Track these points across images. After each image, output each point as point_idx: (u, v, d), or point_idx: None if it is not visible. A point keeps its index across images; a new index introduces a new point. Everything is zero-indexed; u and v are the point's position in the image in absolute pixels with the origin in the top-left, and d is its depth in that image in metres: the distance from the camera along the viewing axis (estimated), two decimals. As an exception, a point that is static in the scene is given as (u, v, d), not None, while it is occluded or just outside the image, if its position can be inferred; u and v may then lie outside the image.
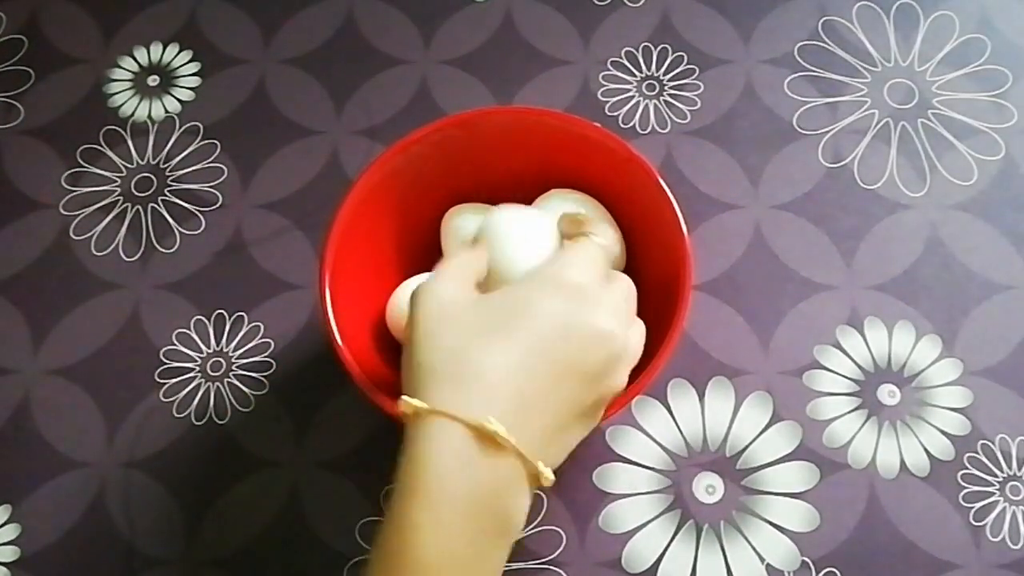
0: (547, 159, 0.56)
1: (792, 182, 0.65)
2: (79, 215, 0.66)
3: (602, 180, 0.56)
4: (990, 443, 0.56)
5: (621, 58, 0.70)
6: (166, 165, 0.68)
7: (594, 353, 0.39)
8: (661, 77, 0.69)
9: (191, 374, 0.60)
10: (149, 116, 0.70)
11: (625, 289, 0.44)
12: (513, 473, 0.36)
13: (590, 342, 0.39)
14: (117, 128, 0.69)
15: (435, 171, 0.55)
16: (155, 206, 0.66)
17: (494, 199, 0.56)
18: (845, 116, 0.67)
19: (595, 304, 0.40)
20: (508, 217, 0.49)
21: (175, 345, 0.61)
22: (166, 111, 0.70)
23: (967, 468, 0.56)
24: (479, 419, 0.36)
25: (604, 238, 0.46)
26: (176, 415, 0.59)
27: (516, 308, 0.39)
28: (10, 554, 0.55)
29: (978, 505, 0.55)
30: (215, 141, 0.68)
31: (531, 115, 0.56)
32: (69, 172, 0.68)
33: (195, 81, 0.71)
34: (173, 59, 0.72)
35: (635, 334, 0.44)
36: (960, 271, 0.61)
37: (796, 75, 0.69)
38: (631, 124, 0.67)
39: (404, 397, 0.37)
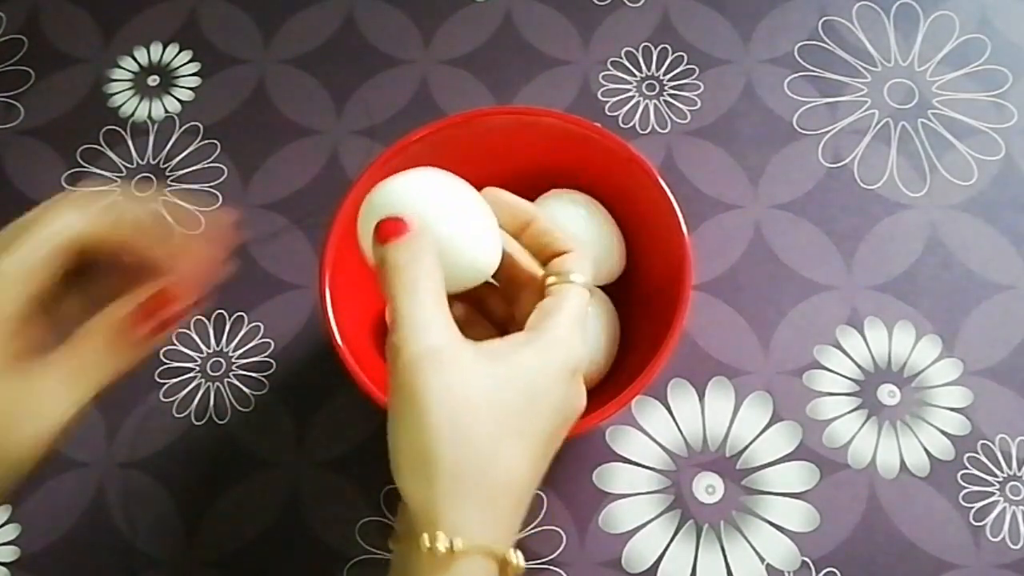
0: (547, 159, 0.56)
1: (792, 182, 0.65)
2: (79, 215, 0.66)
3: (602, 180, 0.56)
4: (990, 443, 0.56)
5: (621, 58, 0.70)
6: (166, 165, 0.68)
7: (570, 426, 0.38)
8: (661, 77, 0.69)
9: (191, 374, 0.60)
10: (149, 116, 0.70)
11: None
12: None
13: (573, 421, 0.38)
14: (117, 128, 0.69)
15: (435, 171, 0.55)
16: (155, 206, 0.66)
17: (494, 199, 0.56)
18: (845, 116, 0.67)
19: (580, 379, 0.38)
20: (403, 186, 0.37)
21: (175, 345, 0.61)
22: (166, 111, 0.70)
23: (967, 468, 0.56)
24: (507, 552, 0.34)
25: (585, 275, 0.39)
26: (176, 415, 0.59)
27: (530, 395, 0.35)
28: (10, 554, 0.55)
29: (978, 505, 0.55)
30: (215, 141, 0.68)
31: (531, 115, 0.56)
32: (69, 172, 0.68)
33: (195, 81, 0.71)
34: (173, 59, 0.72)
35: None
36: (960, 271, 0.61)
37: (796, 75, 0.69)
38: (631, 124, 0.67)
39: (441, 533, 0.32)
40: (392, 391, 0.35)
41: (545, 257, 0.40)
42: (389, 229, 0.36)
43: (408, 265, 0.35)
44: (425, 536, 0.33)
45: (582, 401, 0.38)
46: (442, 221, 0.36)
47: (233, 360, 0.60)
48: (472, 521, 0.33)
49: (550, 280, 0.39)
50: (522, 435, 0.35)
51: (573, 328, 0.37)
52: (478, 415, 0.33)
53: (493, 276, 0.40)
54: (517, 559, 0.34)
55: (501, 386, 0.34)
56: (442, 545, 0.32)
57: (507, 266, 0.41)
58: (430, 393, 0.33)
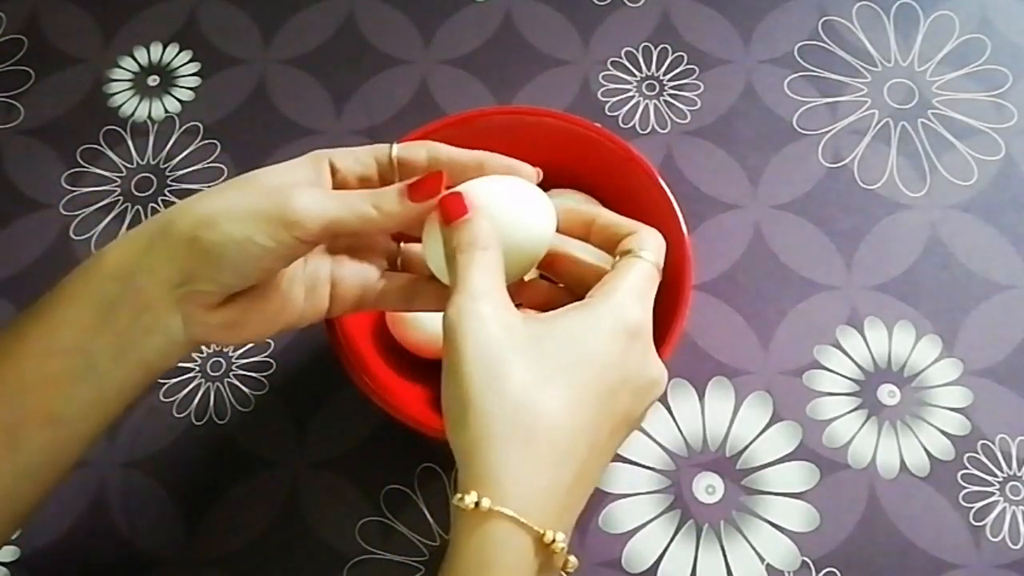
0: (547, 159, 0.56)
1: (792, 182, 0.65)
2: (79, 215, 0.66)
3: (602, 180, 0.56)
4: (990, 443, 0.56)
5: (621, 58, 0.70)
6: (166, 165, 0.68)
7: (644, 402, 0.37)
8: (661, 77, 0.69)
9: (191, 374, 0.60)
10: (149, 116, 0.70)
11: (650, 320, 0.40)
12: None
13: (644, 393, 0.37)
14: (117, 128, 0.69)
15: (435, 171, 0.55)
16: (155, 206, 0.66)
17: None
18: (845, 116, 0.67)
19: (647, 347, 0.37)
20: (489, 187, 0.40)
21: (175, 345, 0.61)
22: (166, 111, 0.70)
23: (967, 468, 0.55)
24: (544, 531, 0.33)
25: (652, 252, 0.39)
26: (176, 415, 0.59)
27: (578, 351, 0.35)
28: (10, 554, 0.55)
29: (978, 505, 0.55)
30: (215, 141, 0.68)
31: (531, 115, 0.56)
32: (69, 172, 0.68)
33: (195, 81, 0.71)
34: (173, 59, 0.72)
35: None
36: (960, 271, 0.61)
37: (796, 75, 0.69)
38: (631, 124, 0.67)
39: (473, 492, 0.32)
40: (443, 350, 0.36)
41: (615, 246, 0.41)
42: (450, 204, 0.37)
43: (471, 244, 0.37)
44: (458, 493, 0.33)
45: (652, 369, 0.37)
46: (495, 200, 0.39)
47: (233, 360, 0.60)
48: (506, 466, 0.32)
49: (615, 260, 0.39)
50: (565, 386, 0.34)
51: (629, 294, 0.37)
52: (514, 362, 0.34)
53: (559, 279, 0.42)
54: (559, 543, 0.33)
55: (542, 338, 0.35)
56: (470, 500, 0.32)
57: (570, 266, 0.42)
58: (468, 344, 0.34)
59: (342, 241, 0.41)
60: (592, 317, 0.36)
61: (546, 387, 0.34)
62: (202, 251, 0.35)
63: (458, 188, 0.38)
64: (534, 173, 0.41)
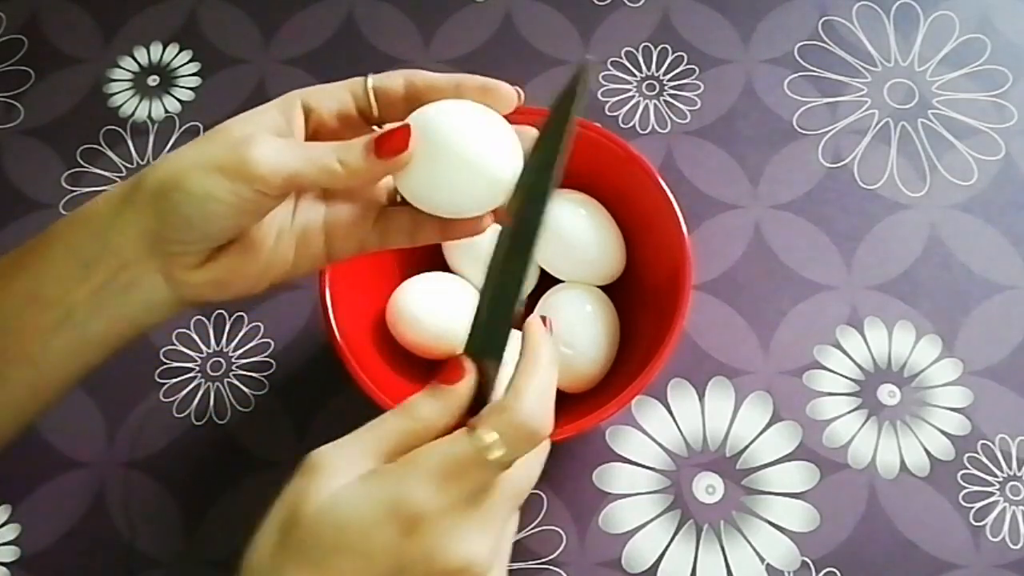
0: (547, 159, 0.56)
1: (792, 182, 0.65)
2: (79, 215, 0.66)
3: (602, 180, 0.56)
4: (990, 443, 0.56)
5: (621, 58, 0.70)
6: (166, 165, 0.68)
7: None
8: (661, 77, 0.69)
9: (191, 374, 0.60)
10: (149, 116, 0.70)
11: (507, 493, 0.33)
12: None
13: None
14: (117, 128, 0.69)
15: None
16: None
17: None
18: (845, 116, 0.67)
19: (442, 534, 0.31)
20: (445, 118, 0.37)
21: (175, 345, 0.61)
22: (166, 111, 0.70)
23: (967, 468, 0.56)
24: None
25: (499, 436, 0.31)
26: (176, 415, 0.59)
27: (337, 537, 0.31)
28: (10, 554, 0.55)
29: (978, 505, 0.55)
30: (215, 141, 0.68)
31: (531, 115, 0.56)
32: (69, 172, 0.68)
33: (195, 81, 0.71)
34: (173, 59, 0.72)
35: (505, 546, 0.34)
36: (960, 271, 0.61)
37: (796, 75, 0.69)
38: (631, 124, 0.67)
39: None
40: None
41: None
42: (390, 139, 0.36)
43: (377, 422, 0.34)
44: None
45: (450, 558, 0.31)
46: (451, 134, 0.36)
47: (233, 360, 0.60)
48: None
49: (470, 422, 0.32)
50: (316, 570, 0.31)
51: (423, 476, 0.31)
52: (276, 537, 0.32)
53: None
54: None
55: (319, 517, 0.31)
56: None
57: None
58: (281, 497, 0.33)
59: (314, 190, 0.39)
60: (369, 497, 0.31)
61: (294, 570, 0.31)
62: (166, 210, 0.34)
63: (413, 116, 0.36)
64: (513, 94, 0.39)
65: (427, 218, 0.39)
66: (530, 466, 0.33)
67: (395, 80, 0.38)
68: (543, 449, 0.34)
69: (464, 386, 0.33)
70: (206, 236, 0.35)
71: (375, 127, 0.38)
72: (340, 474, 0.32)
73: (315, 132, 0.38)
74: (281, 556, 0.32)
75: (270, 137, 0.35)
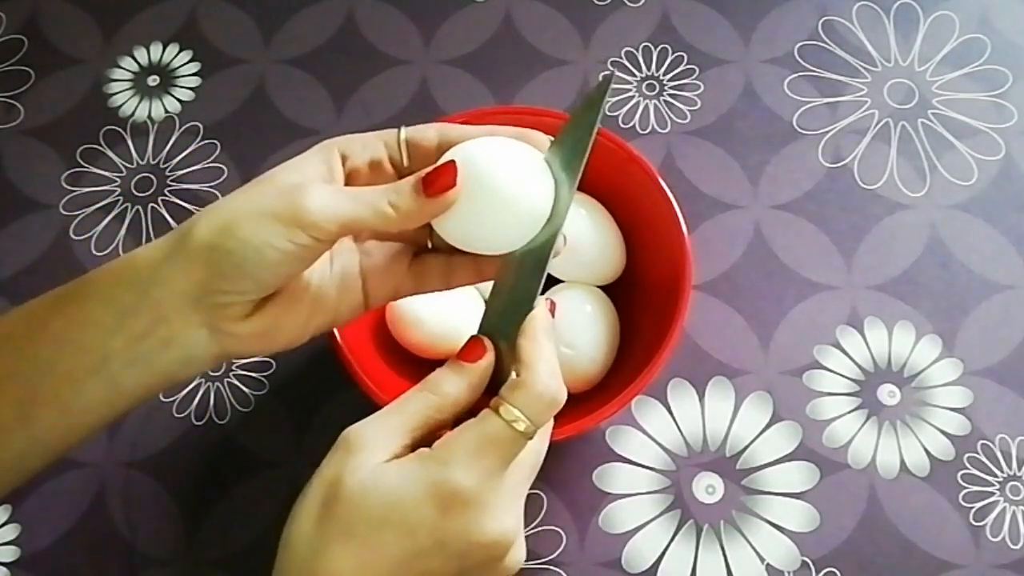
0: (547, 159, 0.56)
1: (792, 182, 0.65)
2: (79, 215, 0.66)
3: (602, 180, 0.56)
4: (990, 443, 0.56)
5: (621, 58, 0.70)
6: (166, 165, 0.68)
7: (479, 566, 0.35)
8: (661, 77, 0.69)
9: (191, 374, 0.60)
10: (149, 116, 0.70)
11: (525, 468, 0.36)
12: None
13: (473, 557, 0.34)
14: (117, 128, 0.69)
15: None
16: (155, 206, 0.66)
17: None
18: (845, 116, 0.67)
19: (479, 512, 0.34)
20: (485, 151, 0.37)
21: (175, 345, 0.61)
22: (166, 111, 0.70)
23: (967, 468, 0.56)
24: None
25: (524, 412, 0.34)
26: (176, 415, 0.59)
27: (383, 512, 0.33)
28: (10, 554, 0.55)
29: (978, 505, 0.55)
30: (215, 141, 0.68)
31: (531, 115, 0.56)
32: (69, 172, 0.68)
33: (195, 81, 0.71)
34: (173, 59, 0.72)
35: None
36: (960, 271, 0.61)
37: (796, 75, 0.69)
38: (631, 124, 0.67)
39: None
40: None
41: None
42: (439, 177, 0.36)
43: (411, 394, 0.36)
44: None
45: (484, 534, 0.34)
46: (490, 171, 0.36)
47: (233, 360, 0.60)
48: None
49: (492, 402, 0.35)
50: (361, 544, 0.33)
51: (461, 457, 0.33)
52: (304, 519, 0.34)
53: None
54: None
55: (365, 490, 0.33)
56: None
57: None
58: (320, 472, 0.35)
59: (366, 234, 0.40)
60: (411, 477, 0.33)
61: (334, 544, 0.33)
62: (220, 260, 0.34)
63: (452, 152, 0.37)
64: (546, 141, 0.39)
65: (462, 260, 0.40)
66: (542, 439, 0.37)
67: (428, 132, 0.39)
68: (548, 424, 0.37)
69: (484, 363, 0.36)
70: (258, 285, 0.35)
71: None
72: (378, 450, 0.34)
73: (349, 180, 0.38)
74: (324, 530, 0.33)
75: (321, 184, 0.36)
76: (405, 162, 0.39)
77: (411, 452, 0.35)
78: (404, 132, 0.39)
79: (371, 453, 0.34)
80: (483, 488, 0.34)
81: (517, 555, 0.36)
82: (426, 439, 0.36)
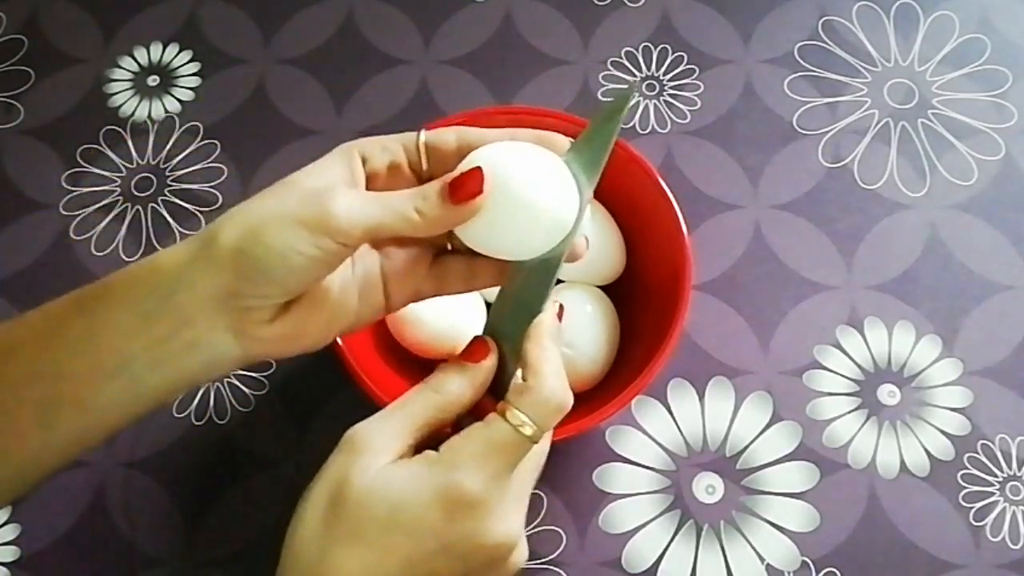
0: (547, 159, 0.56)
1: (792, 182, 0.65)
2: (79, 215, 0.66)
3: (602, 180, 0.56)
4: (990, 443, 0.56)
5: (621, 58, 0.70)
6: (166, 165, 0.68)
7: (482, 568, 0.35)
8: (661, 77, 0.69)
9: (191, 374, 0.60)
10: (149, 116, 0.70)
11: (530, 471, 0.37)
12: None
13: (478, 560, 0.35)
14: (117, 128, 0.69)
15: (435, 171, 0.55)
16: (155, 206, 0.66)
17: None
18: (845, 116, 0.67)
19: (485, 515, 0.34)
20: (507, 158, 0.37)
21: (175, 345, 0.61)
22: (166, 111, 0.70)
23: (967, 468, 0.56)
24: None
25: (530, 416, 0.34)
26: (176, 415, 0.59)
27: (390, 515, 0.33)
28: (10, 554, 0.55)
29: (978, 505, 0.55)
30: (215, 141, 0.68)
31: (531, 115, 0.56)
32: (69, 172, 0.68)
33: (195, 81, 0.71)
34: (173, 59, 0.72)
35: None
36: (960, 271, 0.61)
37: (796, 75, 0.69)
38: (631, 124, 0.67)
39: None
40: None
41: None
42: (466, 183, 0.36)
43: (415, 393, 0.36)
44: None
45: (489, 537, 0.34)
46: (515, 178, 0.36)
47: (233, 360, 0.60)
48: None
49: (499, 406, 0.35)
50: (368, 546, 0.33)
51: (468, 461, 0.34)
52: (310, 518, 0.34)
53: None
54: None
55: (372, 491, 0.34)
56: None
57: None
58: (324, 473, 0.35)
59: (386, 240, 0.40)
60: (418, 480, 0.34)
61: (340, 545, 0.33)
62: (246, 265, 0.34)
63: (476, 157, 0.36)
64: (566, 143, 0.39)
65: (484, 263, 0.39)
66: (544, 441, 0.37)
67: (447, 136, 0.38)
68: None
69: (488, 363, 0.37)
70: (284, 290, 0.35)
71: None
72: (382, 452, 0.34)
73: (367, 183, 0.38)
74: (330, 532, 0.33)
75: (346, 188, 0.36)
76: (424, 166, 0.39)
77: (415, 452, 0.35)
78: (423, 136, 0.39)
79: (376, 454, 0.34)
80: (489, 492, 0.34)
81: (520, 556, 0.36)
82: (429, 438, 0.36)
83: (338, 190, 0.35)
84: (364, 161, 0.38)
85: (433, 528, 0.33)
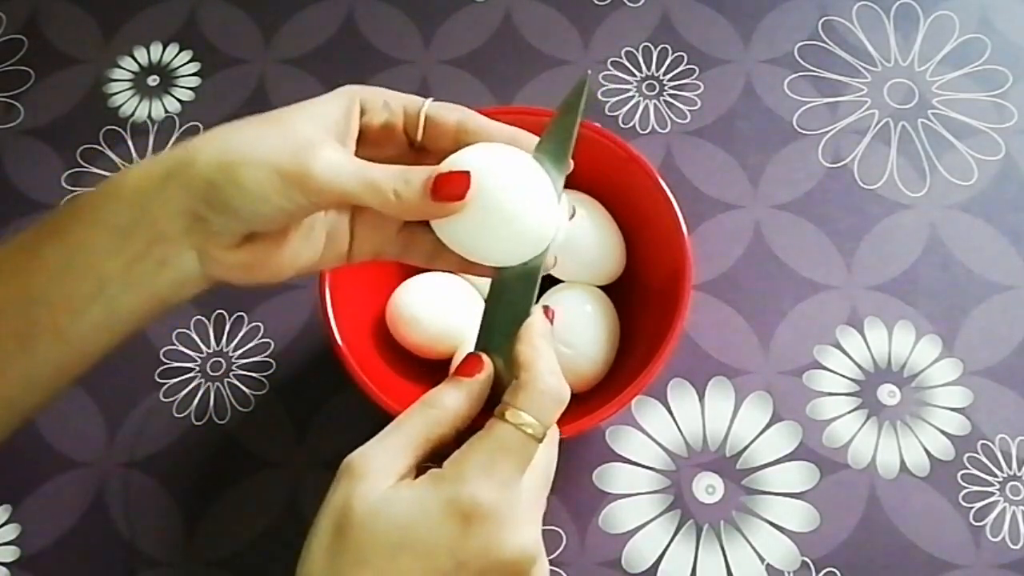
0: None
1: (792, 182, 0.65)
2: (79, 215, 0.66)
3: (602, 180, 0.56)
4: (990, 443, 0.56)
5: (621, 58, 0.70)
6: (166, 165, 0.68)
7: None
8: (661, 77, 0.69)
9: (191, 374, 0.60)
10: (149, 116, 0.70)
11: (540, 476, 0.36)
12: None
13: (498, 572, 0.33)
14: (117, 128, 0.69)
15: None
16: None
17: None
18: (845, 116, 0.67)
19: (499, 526, 0.33)
20: (492, 162, 0.36)
21: (175, 345, 0.61)
22: (166, 111, 0.70)
23: (967, 468, 0.55)
24: None
25: (531, 412, 0.34)
26: (176, 415, 0.59)
27: (401, 535, 0.32)
28: (10, 554, 0.55)
29: (978, 505, 0.55)
30: (215, 141, 0.68)
31: (531, 115, 0.56)
32: (69, 172, 0.68)
33: (195, 81, 0.71)
34: (173, 59, 0.72)
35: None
36: (960, 271, 0.61)
37: (796, 75, 0.69)
38: (631, 124, 0.67)
39: None
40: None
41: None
42: (450, 183, 0.35)
43: (409, 414, 0.35)
44: None
45: (505, 550, 0.33)
46: (501, 188, 0.36)
47: (233, 360, 0.60)
48: None
49: (497, 409, 0.34)
50: (377, 571, 0.32)
51: (474, 470, 0.33)
52: (328, 543, 0.33)
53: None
54: None
55: (377, 514, 0.33)
56: None
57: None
58: (327, 503, 0.34)
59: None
60: (425, 498, 0.33)
61: (353, 574, 0.32)
62: (216, 198, 0.34)
63: (463, 159, 0.36)
64: (534, 139, 0.39)
65: (449, 250, 0.39)
66: (551, 445, 0.37)
67: (450, 113, 0.38)
68: (555, 431, 0.37)
69: (483, 376, 0.36)
70: (248, 227, 0.35)
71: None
72: (383, 475, 0.33)
73: (359, 135, 0.38)
74: (337, 561, 0.32)
75: (331, 147, 0.35)
76: (419, 135, 0.38)
77: (417, 472, 0.34)
78: (428, 105, 0.38)
79: (377, 477, 0.33)
80: (500, 500, 0.33)
81: (540, 572, 0.34)
82: (429, 457, 0.35)
83: (323, 148, 0.35)
84: (362, 113, 0.38)
85: (446, 546, 0.32)
